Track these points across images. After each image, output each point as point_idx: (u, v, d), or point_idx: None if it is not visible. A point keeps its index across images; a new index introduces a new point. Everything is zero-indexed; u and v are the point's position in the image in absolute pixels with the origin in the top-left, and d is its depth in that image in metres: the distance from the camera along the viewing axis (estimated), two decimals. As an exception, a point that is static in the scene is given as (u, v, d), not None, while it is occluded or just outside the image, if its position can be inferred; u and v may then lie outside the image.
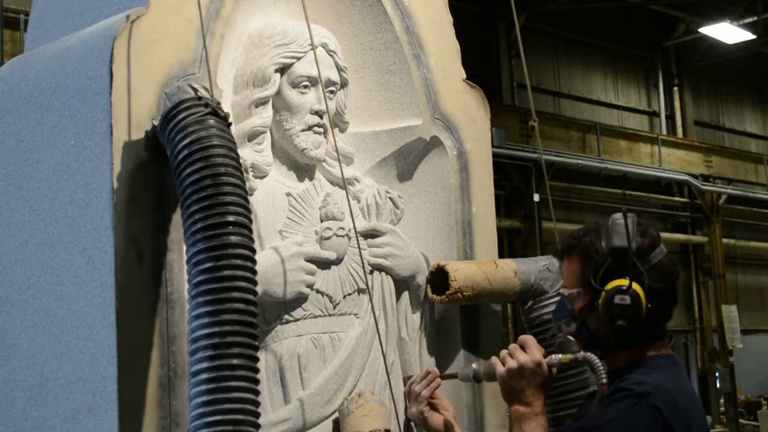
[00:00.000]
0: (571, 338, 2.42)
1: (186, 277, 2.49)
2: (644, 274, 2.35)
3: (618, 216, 2.42)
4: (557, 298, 3.21)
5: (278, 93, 3.07)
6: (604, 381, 2.30)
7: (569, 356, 2.41)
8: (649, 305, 2.34)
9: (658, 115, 19.24)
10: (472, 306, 3.30)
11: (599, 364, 2.34)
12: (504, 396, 2.44)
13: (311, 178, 3.15)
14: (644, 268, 2.36)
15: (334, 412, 2.97)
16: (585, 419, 2.32)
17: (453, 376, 2.83)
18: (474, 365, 2.63)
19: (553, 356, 2.44)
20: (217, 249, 2.40)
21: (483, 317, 3.36)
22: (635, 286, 2.34)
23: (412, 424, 2.80)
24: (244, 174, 2.64)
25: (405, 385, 2.96)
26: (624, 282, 2.34)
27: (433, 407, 2.74)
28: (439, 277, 3.20)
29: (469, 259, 3.33)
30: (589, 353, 2.38)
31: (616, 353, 2.40)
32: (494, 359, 2.50)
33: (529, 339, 2.47)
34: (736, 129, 21.01)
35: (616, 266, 2.37)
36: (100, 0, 2.92)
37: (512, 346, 2.48)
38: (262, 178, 3.01)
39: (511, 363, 2.43)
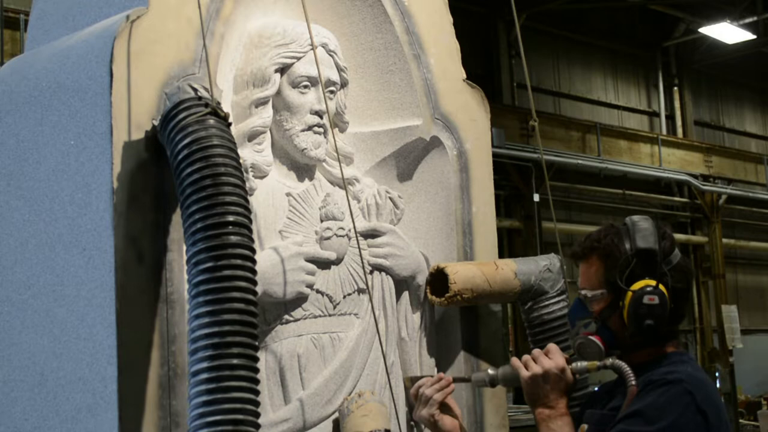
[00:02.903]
0: (592, 338, 2.46)
1: (186, 277, 2.49)
2: (667, 274, 2.40)
3: (638, 218, 2.50)
4: (558, 299, 3.24)
5: (278, 93, 3.07)
6: (633, 383, 2.35)
7: (596, 363, 2.46)
8: (672, 305, 2.40)
9: (658, 115, 19.25)
10: (473, 306, 3.30)
11: (628, 369, 2.39)
12: (527, 400, 2.53)
13: (311, 178, 3.15)
14: (667, 269, 2.41)
15: (334, 412, 2.97)
16: (622, 411, 2.36)
17: (466, 380, 2.86)
18: (491, 371, 2.70)
19: (578, 363, 2.49)
20: (217, 249, 2.40)
21: (483, 317, 3.36)
22: (660, 286, 2.41)
23: (421, 426, 2.82)
24: (244, 174, 2.64)
25: (407, 386, 2.98)
26: (651, 282, 2.40)
27: (443, 410, 2.78)
28: (438, 279, 3.19)
29: (469, 259, 3.33)
30: (616, 360, 2.42)
31: (635, 352, 2.46)
32: (516, 363, 2.56)
33: (553, 346, 2.54)
34: (736, 129, 21.02)
35: (641, 267, 2.43)
36: (100, 0, 2.92)
37: (536, 351, 2.55)
38: (262, 178, 3.01)
39: (536, 368, 2.50)
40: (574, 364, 2.50)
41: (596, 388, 2.76)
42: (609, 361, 2.45)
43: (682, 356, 2.49)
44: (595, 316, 2.50)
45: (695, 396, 2.33)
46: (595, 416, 2.49)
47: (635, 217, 2.50)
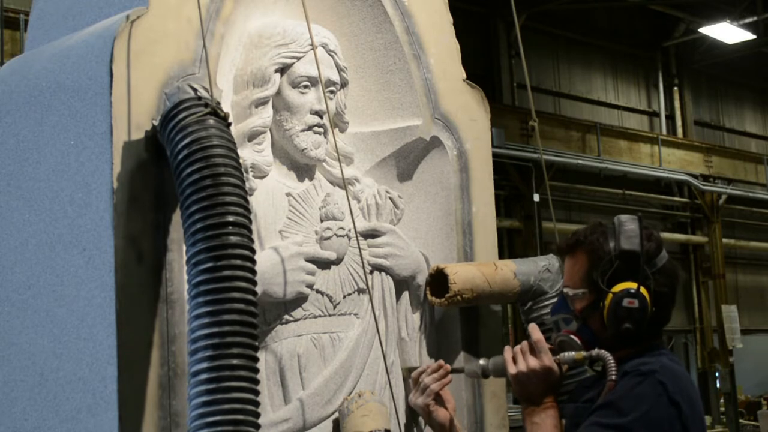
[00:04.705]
0: (573, 337, 2.45)
1: (186, 277, 2.49)
2: (651, 278, 2.37)
3: (625, 218, 2.44)
4: (557, 298, 3.23)
5: (278, 93, 3.07)
6: (614, 378, 2.34)
7: (583, 353, 2.45)
8: (653, 308, 2.37)
9: (658, 115, 19.26)
10: (472, 306, 3.30)
11: (612, 360, 2.37)
12: (515, 395, 2.51)
13: (311, 178, 3.15)
14: (650, 272, 2.38)
15: (334, 412, 2.97)
16: (597, 403, 2.36)
17: (460, 371, 2.88)
18: (481, 361, 2.71)
19: (566, 354, 2.48)
20: (217, 249, 2.40)
21: (483, 318, 3.36)
22: (642, 289, 2.36)
23: (420, 425, 2.84)
24: (244, 174, 2.64)
25: (406, 374, 3.00)
26: (632, 285, 2.37)
27: (437, 400, 2.79)
28: (438, 280, 3.19)
29: (469, 259, 3.33)
30: (602, 350, 2.41)
31: (614, 351, 2.43)
32: (507, 354, 2.55)
33: (540, 342, 2.50)
34: (736, 129, 21.03)
35: (624, 269, 2.39)
36: (100, 0, 2.92)
37: (524, 345, 2.52)
38: (262, 178, 3.01)
39: (521, 367, 2.48)
40: (561, 355, 2.49)
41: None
42: (594, 351, 2.43)
43: (660, 349, 2.47)
44: (575, 313, 2.49)
45: (667, 387, 2.31)
46: (569, 409, 2.48)
47: (623, 217, 2.46)
